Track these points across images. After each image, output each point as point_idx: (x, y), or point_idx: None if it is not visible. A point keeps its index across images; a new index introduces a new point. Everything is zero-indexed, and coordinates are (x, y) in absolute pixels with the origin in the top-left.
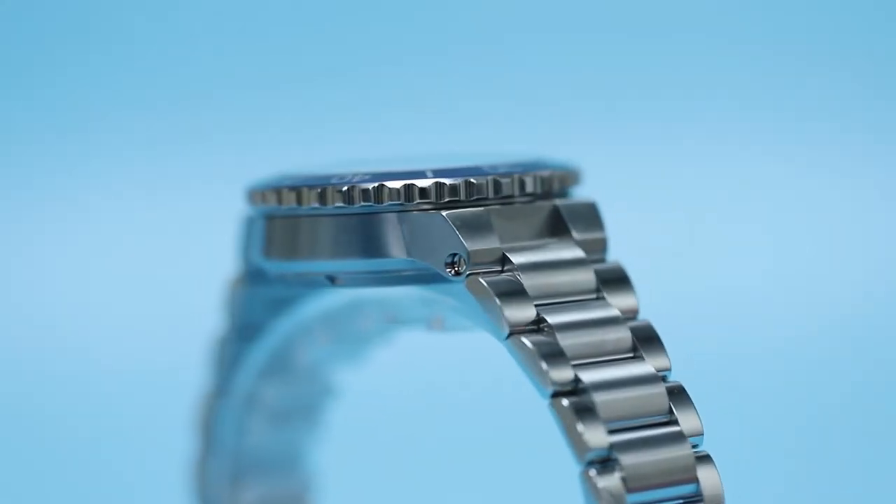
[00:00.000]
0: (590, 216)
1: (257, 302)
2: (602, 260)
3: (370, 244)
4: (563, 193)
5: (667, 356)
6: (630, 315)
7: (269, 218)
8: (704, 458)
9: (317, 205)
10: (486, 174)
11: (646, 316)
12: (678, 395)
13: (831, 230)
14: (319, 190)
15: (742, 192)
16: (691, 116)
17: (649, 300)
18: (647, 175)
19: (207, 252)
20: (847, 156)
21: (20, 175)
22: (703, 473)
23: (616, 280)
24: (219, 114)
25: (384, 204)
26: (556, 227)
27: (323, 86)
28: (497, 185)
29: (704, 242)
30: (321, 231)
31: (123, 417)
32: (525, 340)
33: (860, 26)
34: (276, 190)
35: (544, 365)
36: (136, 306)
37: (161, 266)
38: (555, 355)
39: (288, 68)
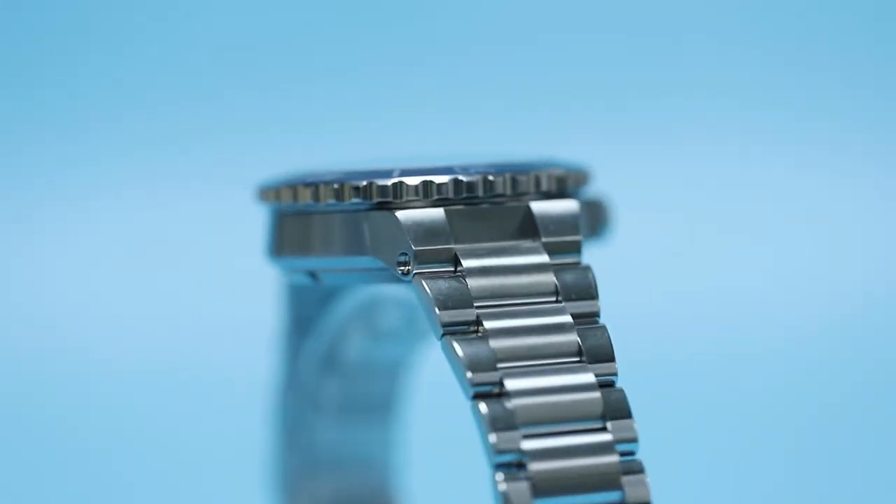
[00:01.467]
0: (565, 218)
1: (307, 295)
2: (574, 263)
3: (341, 241)
4: (554, 194)
5: (614, 362)
6: (587, 320)
7: (272, 216)
8: (634, 467)
9: (291, 202)
10: (452, 174)
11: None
12: (616, 402)
13: (831, 230)
14: (293, 188)
15: (742, 192)
16: (692, 116)
17: (649, 300)
18: (647, 175)
19: (208, 252)
20: (847, 156)
21: (20, 175)
22: (631, 482)
23: (578, 285)
24: (220, 113)
25: (348, 202)
26: (530, 229)
27: (323, 86)
28: (459, 186)
29: (705, 242)
30: (298, 228)
31: (124, 417)
32: (455, 342)
33: (860, 26)
34: (265, 189)
35: (468, 368)
36: (136, 306)
37: (161, 266)
38: (481, 358)
39: (289, 68)
